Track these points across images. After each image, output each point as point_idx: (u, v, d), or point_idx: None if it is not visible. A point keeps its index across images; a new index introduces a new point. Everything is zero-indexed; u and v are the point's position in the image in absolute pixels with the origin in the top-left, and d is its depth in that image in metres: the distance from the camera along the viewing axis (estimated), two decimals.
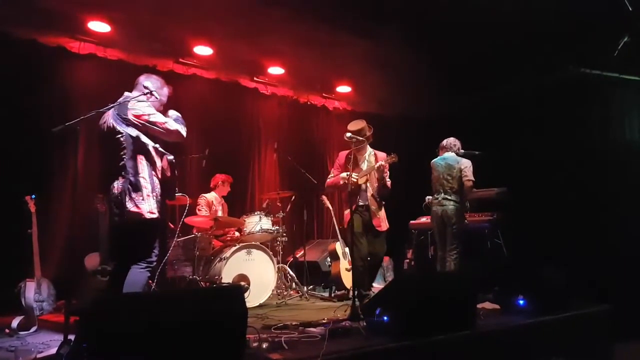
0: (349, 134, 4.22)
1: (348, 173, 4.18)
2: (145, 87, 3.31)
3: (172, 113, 3.32)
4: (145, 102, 3.20)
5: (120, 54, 5.65)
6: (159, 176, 3.23)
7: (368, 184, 4.37)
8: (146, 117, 3.13)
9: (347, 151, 4.49)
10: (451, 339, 3.04)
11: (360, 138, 4.28)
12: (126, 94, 3.25)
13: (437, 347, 2.96)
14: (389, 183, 4.37)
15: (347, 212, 4.44)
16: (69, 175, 5.23)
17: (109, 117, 3.14)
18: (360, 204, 4.36)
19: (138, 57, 5.74)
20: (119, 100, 3.17)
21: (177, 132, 3.21)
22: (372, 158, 4.44)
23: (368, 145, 4.47)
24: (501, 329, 3.43)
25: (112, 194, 3.07)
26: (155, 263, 3.18)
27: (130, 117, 3.09)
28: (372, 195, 4.37)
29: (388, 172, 4.38)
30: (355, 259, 4.13)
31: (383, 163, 4.27)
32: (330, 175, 4.55)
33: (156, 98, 3.32)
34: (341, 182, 4.36)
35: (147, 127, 3.13)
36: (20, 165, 4.84)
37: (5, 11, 4.61)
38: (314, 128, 7.59)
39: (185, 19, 5.10)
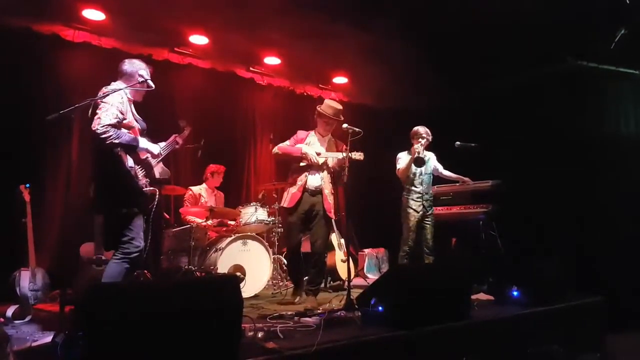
0: (345, 125, 4.23)
1: (316, 151, 4.20)
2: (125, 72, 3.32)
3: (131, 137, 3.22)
4: (115, 96, 3.15)
5: (115, 43, 5.59)
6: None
7: (325, 168, 4.29)
8: (101, 106, 3.10)
9: (308, 131, 4.48)
10: (445, 329, 3.06)
11: (357, 129, 4.27)
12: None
13: (431, 337, 2.98)
14: (345, 177, 4.00)
15: (294, 190, 4.25)
16: (63, 164, 5.20)
17: None
18: (314, 186, 4.24)
19: (133, 45, 5.68)
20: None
21: (95, 133, 3.04)
22: (333, 144, 4.41)
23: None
24: (495, 319, 3.45)
25: None
26: (134, 255, 3.17)
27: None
28: (328, 178, 4.31)
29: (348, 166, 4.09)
30: (287, 250, 4.35)
31: (354, 157, 4.16)
32: (285, 143, 4.42)
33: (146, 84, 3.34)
34: (300, 154, 4.22)
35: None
36: (14, 154, 4.80)
37: None
38: (309, 119, 7.52)
39: (181, 8, 5.05)
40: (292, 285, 5.30)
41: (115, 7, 5.06)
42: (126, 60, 3.39)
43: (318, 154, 4.23)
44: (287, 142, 4.43)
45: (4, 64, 4.80)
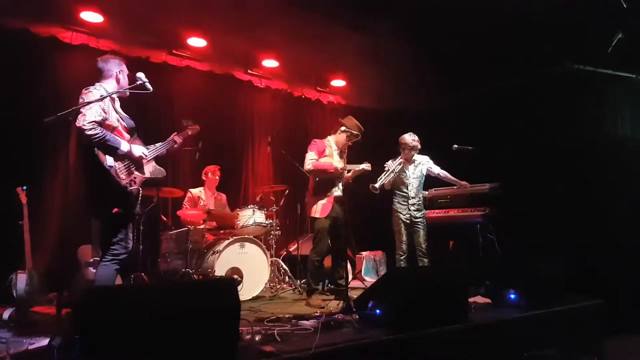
0: (343, 127, 4.34)
1: (341, 167, 4.53)
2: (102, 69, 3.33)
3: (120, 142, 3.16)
4: (96, 95, 3.12)
5: (113, 45, 5.58)
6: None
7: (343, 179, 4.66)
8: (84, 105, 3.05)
9: (322, 140, 4.78)
10: (443, 332, 3.06)
11: (355, 132, 4.58)
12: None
13: (428, 340, 2.97)
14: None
15: (324, 202, 4.61)
16: (60, 166, 5.20)
17: None
18: (339, 195, 4.64)
19: (131, 48, 5.68)
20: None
21: (82, 130, 2.97)
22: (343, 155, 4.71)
23: None
24: (492, 322, 3.44)
25: None
26: (123, 256, 3.14)
27: None
28: (344, 188, 4.65)
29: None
30: (317, 253, 4.58)
31: (365, 168, 4.66)
32: (313, 157, 4.64)
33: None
34: (332, 170, 4.58)
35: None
36: (11, 156, 4.79)
37: None
38: (308, 122, 7.56)
39: (179, 10, 5.07)
40: (290, 288, 5.32)
41: (113, 10, 5.07)
42: (99, 58, 3.37)
43: (343, 169, 4.57)
44: (314, 154, 4.64)
45: (1, 65, 4.79)
